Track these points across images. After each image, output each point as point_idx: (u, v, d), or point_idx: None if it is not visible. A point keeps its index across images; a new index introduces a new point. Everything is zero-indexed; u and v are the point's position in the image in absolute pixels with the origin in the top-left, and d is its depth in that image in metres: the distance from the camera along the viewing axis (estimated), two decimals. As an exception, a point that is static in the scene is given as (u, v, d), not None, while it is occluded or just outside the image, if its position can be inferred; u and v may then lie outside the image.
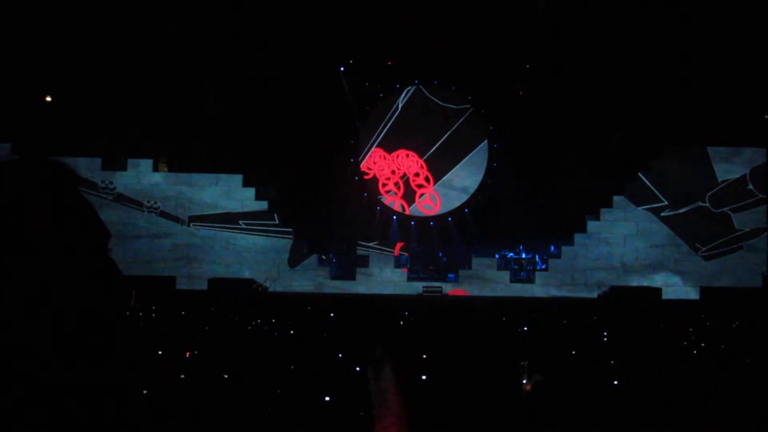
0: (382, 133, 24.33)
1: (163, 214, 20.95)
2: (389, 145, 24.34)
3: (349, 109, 23.36)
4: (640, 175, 21.58)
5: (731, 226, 21.45)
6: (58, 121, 19.61)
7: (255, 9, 19.44)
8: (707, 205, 21.45)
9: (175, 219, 21.06)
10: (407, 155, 24.16)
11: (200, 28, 19.37)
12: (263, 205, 21.31)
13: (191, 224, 21.08)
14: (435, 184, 24.20)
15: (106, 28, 18.78)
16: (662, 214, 21.46)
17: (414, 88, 24.32)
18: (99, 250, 1.29)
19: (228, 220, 21.21)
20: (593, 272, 21.05)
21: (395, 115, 24.31)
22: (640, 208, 21.47)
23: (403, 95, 24.38)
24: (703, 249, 21.35)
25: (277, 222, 21.25)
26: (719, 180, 21.51)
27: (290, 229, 21.27)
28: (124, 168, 20.87)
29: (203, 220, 21.21)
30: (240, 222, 21.26)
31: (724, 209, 21.49)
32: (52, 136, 19.26)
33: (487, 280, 21.01)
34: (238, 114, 21.02)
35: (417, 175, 24.12)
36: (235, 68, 20.59)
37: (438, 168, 24.08)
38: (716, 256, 21.34)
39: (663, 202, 21.49)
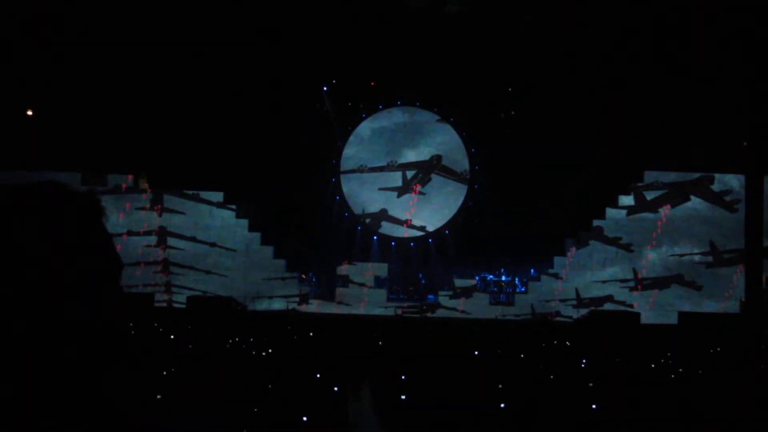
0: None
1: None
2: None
3: (332, 129, 23.36)
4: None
5: None
6: (38, 135, 19.46)
7: (239, 27, 19.46)
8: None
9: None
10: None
11: (184, 45, 19.35)
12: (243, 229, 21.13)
13: None
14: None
15: (87, 41, 18.71)
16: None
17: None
18: (109, 278, 1.31)
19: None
20: (572, 296, 21.07)
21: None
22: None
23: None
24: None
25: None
26: None
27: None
28: (104, 183, 20.69)
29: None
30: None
31: None
32: (32, 150, 19.12)
33: (466, 302, 20.99)
34: (220, 131, 20.93)
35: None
36: (218, 85, 20.53)
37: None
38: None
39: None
